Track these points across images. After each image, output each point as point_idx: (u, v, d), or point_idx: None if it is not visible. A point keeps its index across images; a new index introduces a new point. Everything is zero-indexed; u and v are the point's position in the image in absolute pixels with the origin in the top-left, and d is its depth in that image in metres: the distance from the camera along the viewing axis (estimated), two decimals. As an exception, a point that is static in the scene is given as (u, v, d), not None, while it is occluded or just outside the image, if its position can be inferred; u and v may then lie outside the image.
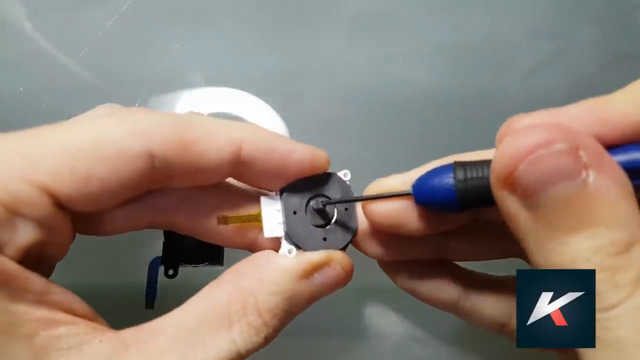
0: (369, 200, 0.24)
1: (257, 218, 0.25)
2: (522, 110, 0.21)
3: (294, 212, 0.25)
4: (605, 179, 0.18)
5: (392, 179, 0.24)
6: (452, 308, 0.27)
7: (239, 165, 0.23)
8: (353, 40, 0.39)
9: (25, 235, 0.20)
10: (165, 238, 0.28)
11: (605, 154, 0.19)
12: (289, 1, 0.39)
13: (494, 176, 0.19)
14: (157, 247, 0.29)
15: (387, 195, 0.24)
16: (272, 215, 0.25)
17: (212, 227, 0.25)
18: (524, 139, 0.19)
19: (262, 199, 0.25)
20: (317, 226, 0.25)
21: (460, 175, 0.21)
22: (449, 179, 0.21)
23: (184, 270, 0.30)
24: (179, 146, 0.22)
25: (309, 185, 0.25)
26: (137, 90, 0.37)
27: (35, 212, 0.20)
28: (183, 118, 0.23)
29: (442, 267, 0.27)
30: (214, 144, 0.23)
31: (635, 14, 0.41)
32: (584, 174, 0.18)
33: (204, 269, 0.29)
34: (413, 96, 0.39)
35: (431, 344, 0.37)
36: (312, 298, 0.24)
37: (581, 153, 0.18)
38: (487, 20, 0.40)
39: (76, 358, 0.20)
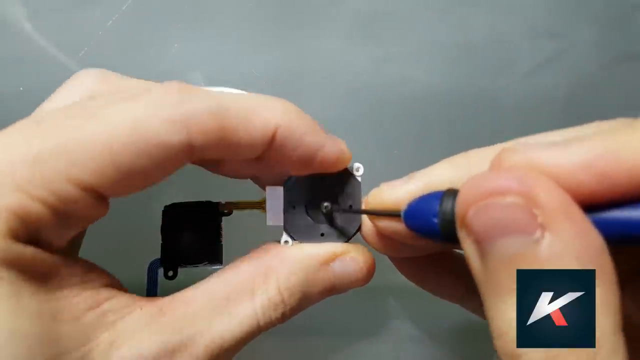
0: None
1: (262, 205, 0.26)
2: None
3: (293, 207, 0.25)
4: (562, 244, 0.16)
5: (391, 191, 0.23)
6: (459, 301, 0.27)
7: (268, 149, 0.24)
8: (353, 40, 0.39)
9: (70, 230, 0.22)
10: (162, 240, 0.28)
11: (574, 216, 0.17)
12: (289, 1, 0.39)
13: (456, 213, 0.18)
14: (156, 248, 0.29)
15: (380, 212, 0.24)
16: (275, 204, 0.26)
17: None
18: (480, 183, 0.18)
19: (268, 188, 0.26)
20: (317, 220, 0.25)
21: (447, 207, 0.20)
22: (434, 213, 0.20)
23: (184, 270, 0.30)
24: (218, 136, 0.22)
25: (314, 179, 0.25)
26: (137, 90, 0.37)
27: (80, 212, 0.21)
28: (221, 103, 0.22)
29: (450, 259, 0.27)
30: (250, 135, 0.22)
31: (635, 14, 0.41)
32: (537, 234, 0.16)
33: (204, 269, 0.29)
34: (413, 96, 0.39)
35: (431, 344, 0.37)
36: (331, 287, 0.25)
37: (536, 211, 0.16)
38: (488, 20, 0.40)
39: (121, 328, 0.21)
